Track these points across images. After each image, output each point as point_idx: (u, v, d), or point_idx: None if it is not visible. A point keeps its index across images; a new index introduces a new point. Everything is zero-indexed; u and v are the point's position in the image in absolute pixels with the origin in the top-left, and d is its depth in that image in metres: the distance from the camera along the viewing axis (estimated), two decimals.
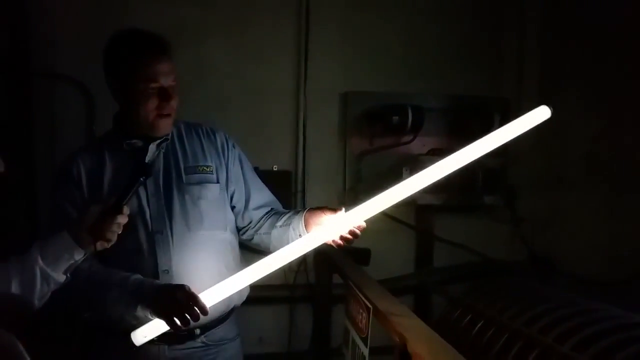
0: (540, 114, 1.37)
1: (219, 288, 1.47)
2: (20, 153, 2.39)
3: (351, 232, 1.46)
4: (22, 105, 2.40)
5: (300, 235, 1.57)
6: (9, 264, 1.28)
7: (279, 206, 1.81)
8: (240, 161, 1.77)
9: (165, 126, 1.60)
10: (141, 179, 1.41)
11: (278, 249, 1.49)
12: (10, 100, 2.38)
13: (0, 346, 0.74)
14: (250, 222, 1.76)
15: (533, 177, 2.91)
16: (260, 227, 1.75)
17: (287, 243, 1.52)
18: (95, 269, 1.52)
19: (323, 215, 1.54)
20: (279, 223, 1.68)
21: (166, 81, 1.54)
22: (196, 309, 1.41)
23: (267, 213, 1.76)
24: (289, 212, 1.70)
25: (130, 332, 1.51)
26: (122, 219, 1.36)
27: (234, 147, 1.76)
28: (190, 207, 1.62)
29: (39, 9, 2.43)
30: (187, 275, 1.57)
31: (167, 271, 1.57)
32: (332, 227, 1.46)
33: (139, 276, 1.52)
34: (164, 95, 1.54)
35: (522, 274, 2.73)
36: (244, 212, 1.76)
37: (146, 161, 1.60)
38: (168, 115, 1.58)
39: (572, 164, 2.72)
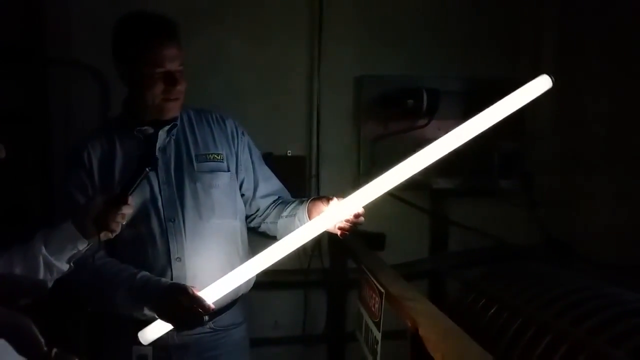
0: (541, 84, 1.30)
1: (223, 282, 1.49)
2: (36, 139, 2.41)
3: (348, 220, 1.45)
4: (37, 91, 2.42)
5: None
6: (12, 252, 1.28)
7: (286, 194, 1.81)
8: (250, 149, 1.77)
9: (173, 109, 1.59)
10: (147, 169, 1.40)
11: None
12: (26, 86, 2.40)
13: (16, 328, 0.75)
14: (258, 210, 1.77)
15: (550, 161, 2.87)
16: (267, 216, 1.75)
17: None
18: (102, 262, 1.52)
19: (322, 205, 1.53)
20: (285, 213, 1.68)
21: (172, 65, 1.52)
22: (200, 310, 1.44)
23: (274, 202, 1.76)
24: (295, 201, 1.70)
25: (138, 323, 1.54)
26: (127, 210, 1.36)
27: (243, 134, 1.76)
28: (202, 195, 1.62)
29: None
30: (200, 263, 1.59)
31: (180, 259, 1.58)
32: (328, 216, 1.45)
33: (145, 274, 1.52)
34: (170, 79, 1.53)
35: (538, 258, 2.71)
36: (251, 200, 1.76)
37: (157, 147, 1.61)
38: (175, 99, 1.57)
39: (590, 147, 2.68)
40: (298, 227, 1.56)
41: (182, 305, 1.43)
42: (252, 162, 1.77)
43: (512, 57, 2.85)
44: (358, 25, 2.74)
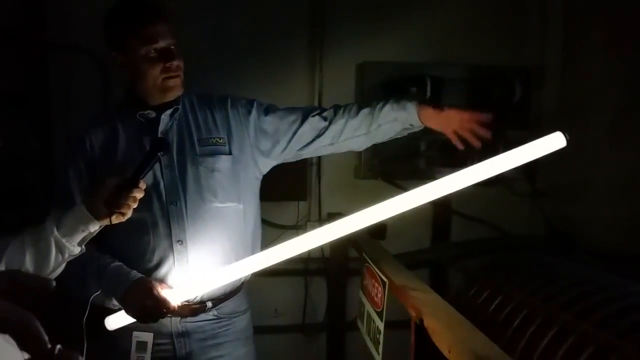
0: (555, 141, 1.37)
1: (200, 282, 1.50)
2: (37, 125, 2.40)
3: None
4: (38, 77, 2.39)
5: (412, 125, 1.67)
6: (24, 234, 1.29)
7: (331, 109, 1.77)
8: (256, 122, 1.71)
9: (175, 87, 1.58)
10: (159, 154, 1.42)
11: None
12: (26, 71, 2.38)
13: (19, 325, 0.74)
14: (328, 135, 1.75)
15: (554, 151, 2.83)
16: (342, 132, 1.74)
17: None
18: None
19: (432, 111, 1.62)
20: (380, 121, 1.68)
21: (165, 41, 1.52)
22: (165, 311, 1.47)
23: (335, 116, 1.73)
24: (376, 107, 1.69)
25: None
26: (139, 193, 1.36)
27: (249, 113, 1.71)
28: (204, 178, 1.61)
29: None
30: (202, 246, 1.58)
31: (181, 242, 1.57)
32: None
33: (117, 265, 1.53)
34: (166, 55, 1.52)
35: (541, 248, 2.69)
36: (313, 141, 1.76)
37: (159, 131, 1.60)
38: (176, 76, 1.55)
39: (595, 136, 2.65)
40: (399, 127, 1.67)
41: (145, 303, 1.46)
42: (280, 121, 1.72)
43: (516, 44, 2.81)
44: (361, 11, 2.69)
